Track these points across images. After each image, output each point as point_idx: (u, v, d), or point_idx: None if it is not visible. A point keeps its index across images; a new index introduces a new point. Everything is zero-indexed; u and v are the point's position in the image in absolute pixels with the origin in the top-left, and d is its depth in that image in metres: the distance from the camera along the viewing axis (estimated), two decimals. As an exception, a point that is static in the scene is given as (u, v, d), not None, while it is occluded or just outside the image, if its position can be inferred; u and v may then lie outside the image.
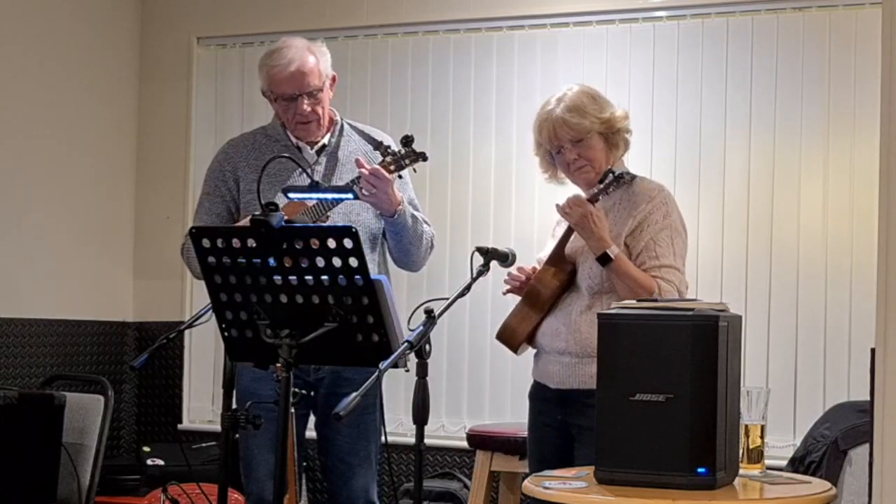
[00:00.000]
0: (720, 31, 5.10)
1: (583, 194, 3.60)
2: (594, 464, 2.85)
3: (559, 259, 3.62)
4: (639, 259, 3.54)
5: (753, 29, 5.06)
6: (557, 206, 3.59)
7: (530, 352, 3.75)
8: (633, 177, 3.60)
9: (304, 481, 5.08)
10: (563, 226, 3.68)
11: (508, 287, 3.67)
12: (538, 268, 3.66)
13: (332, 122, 3.96)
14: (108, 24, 5.88)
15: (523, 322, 3.64)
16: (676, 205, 3.65)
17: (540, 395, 3.69)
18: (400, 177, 3.79)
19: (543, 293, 3.61)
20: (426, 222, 3.96)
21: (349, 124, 3.99)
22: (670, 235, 3.57)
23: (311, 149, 3.91)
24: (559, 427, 3.62)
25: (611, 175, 3.54)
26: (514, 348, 3.70)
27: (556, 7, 5.32)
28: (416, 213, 3.90)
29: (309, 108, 3.84)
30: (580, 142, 3.60)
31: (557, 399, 3.60)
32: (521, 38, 5.40)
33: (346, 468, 3.85)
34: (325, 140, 3.93)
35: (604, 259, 3.47)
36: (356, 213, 3.84)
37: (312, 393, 3.65)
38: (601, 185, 3.55)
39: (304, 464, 5.01)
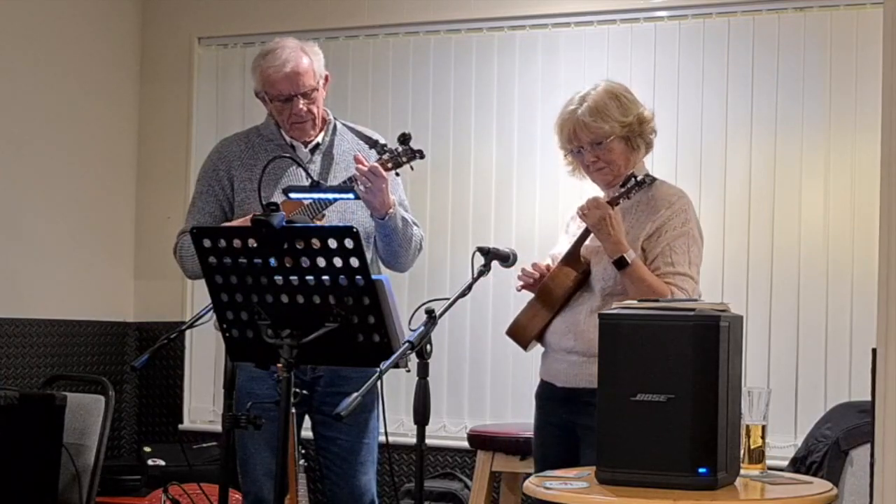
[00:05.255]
0: (721, 31, 5.10)
1: (601, 196, 3.59)
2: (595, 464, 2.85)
3: (574, 258, 3.61)
4: (654, 264, 3.52)
5: (755, 29, 5.06)
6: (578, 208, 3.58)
7: (538, 350, 3.74)
8: (654, 180, 3.60)
9: (304, 481, 5.07)
10: (578, 223, 3.67)
11: (522, 283, 3.66)
12: (551, 265, 3.66)
13: (324, 121, 3.97)
14: (109, 24, 5.88)
15: (534, 319, 3.63)
16: (695, 212, 3.65)
17: (546, 395, 3.68)
18: (397, 174, 3.80)
19: (556, 292, 3.60)
20: (415, 224, 3.95)
21: (342, 123, 4.00)
22: (687, 243, 3.56)
23: (305, 147, 3.92)
24: (564, 426, 3.61)
25: (633, 180, 3.53)
26: (524, 345, 3.69)
27: (558, 7, 5.32)
28: (405, 214, 3.90)
29: (305, 109, 3.85)
30: (599, 144, 3.59)
31: (563, 398, 3.59)
32: (522, 39, 5.39)
33: (347, 468, 3.85)
34: (319, 139, 3.94)
35: (620, 263, 3.46)
36: (351, 212, 3.85)
37: (306, 392, 3.65)
38: (622, 189, 3.53)
39: (304, 463, 5.01)
